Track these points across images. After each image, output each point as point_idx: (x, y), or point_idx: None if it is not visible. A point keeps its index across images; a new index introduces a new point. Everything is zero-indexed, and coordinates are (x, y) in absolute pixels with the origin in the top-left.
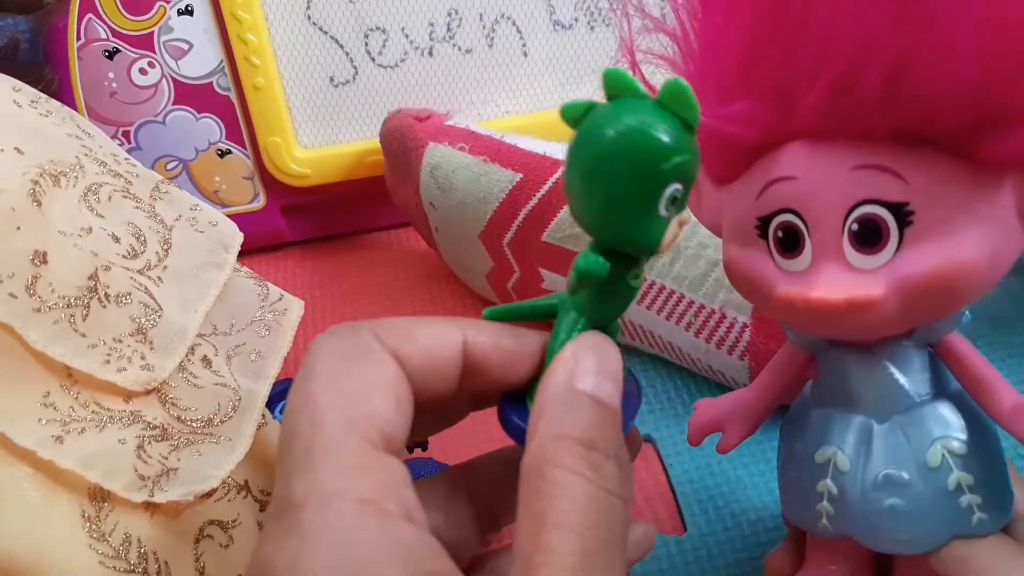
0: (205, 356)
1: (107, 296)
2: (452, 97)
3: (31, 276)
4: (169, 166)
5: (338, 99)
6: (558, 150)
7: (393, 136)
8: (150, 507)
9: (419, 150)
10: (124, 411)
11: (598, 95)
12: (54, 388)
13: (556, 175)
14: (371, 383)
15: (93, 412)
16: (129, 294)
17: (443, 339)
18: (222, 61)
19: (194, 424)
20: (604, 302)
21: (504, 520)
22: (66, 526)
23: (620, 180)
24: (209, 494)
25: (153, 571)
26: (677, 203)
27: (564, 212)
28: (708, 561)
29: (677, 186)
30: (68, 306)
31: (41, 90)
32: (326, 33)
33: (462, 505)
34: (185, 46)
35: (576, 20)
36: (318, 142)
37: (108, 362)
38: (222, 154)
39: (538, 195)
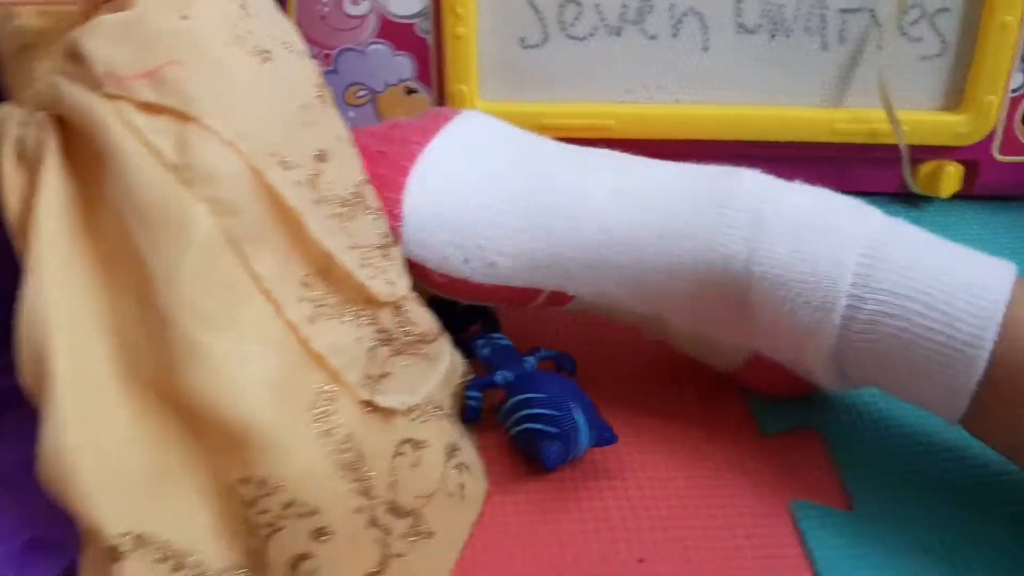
0: None
1: (367, 207)
2: (628, 77)
3: (314, 171)
4: (359, 94)
5: (525, 60)
6: None
7: None
8: (369, 409)
9: None
10: (364, 313)
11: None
12: (312, 276)
13: None
14: None
15: (339, 307)
16: (380, 209)
17: None
18: (428, 5)
19: (411, 339)
20: None
21: None
22: (300, 413)
23: None
24: (411, 409)
25: (361, 473)
26: None
27: None
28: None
29: None
30: (341, 205)
31: None
32: None
33: None
34: None
35: (760, 26)
36: (498, 98)
37: (363, 266)
38: (409, 92)
39: None
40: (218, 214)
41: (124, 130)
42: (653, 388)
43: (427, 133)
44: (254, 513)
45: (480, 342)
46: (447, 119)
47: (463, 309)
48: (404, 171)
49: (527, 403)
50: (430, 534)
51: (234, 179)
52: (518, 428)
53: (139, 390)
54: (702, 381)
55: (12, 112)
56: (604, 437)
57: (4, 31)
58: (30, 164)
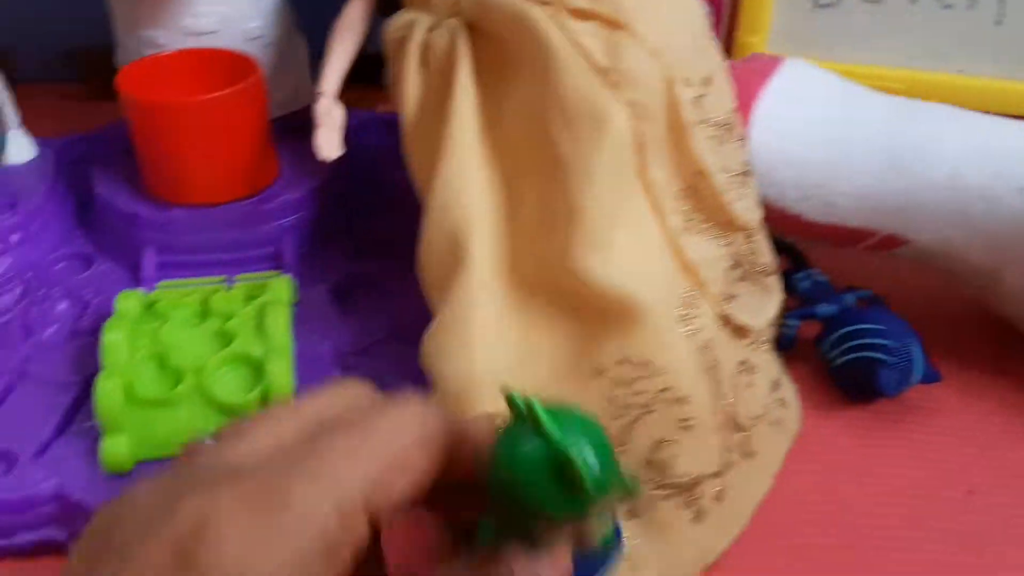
0: None
1: (734, 135)
2: (918, 44)
3: (701, 93)
4: None
5: (816, 19)
6: None
7: None
8: (722, 323)
9: None
10: (722, 234)
11: None
12: (683, 191)
13: None
14: None
15: (704, 223)
16: (742, 138)
17: None
18: None
19: (756, 268)
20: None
21: None
22: (674, 311)
23: (503, 503)
24: (751, 332)
25: (716, 378)
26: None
27: None
28: None
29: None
30: (717, 128)
31: None
32: None
33: None
34: None
35: None
36: (785, 53)
37: (729, 189)
38: None
39: None
40: (635, 117)
41: (558, 32)
42: (965, 336)
43: (764, 74)
44: (628, 393)
45: (799, 276)
46: (777, 63)
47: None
48: (748, 107)
49: (862, 333)
50: (753, 454)
51: (653, 86)
52: (851, 356)
53: (516, 275)
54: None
55: (421, 18)
56: (931, 374)
57: None
58: (431, 66)
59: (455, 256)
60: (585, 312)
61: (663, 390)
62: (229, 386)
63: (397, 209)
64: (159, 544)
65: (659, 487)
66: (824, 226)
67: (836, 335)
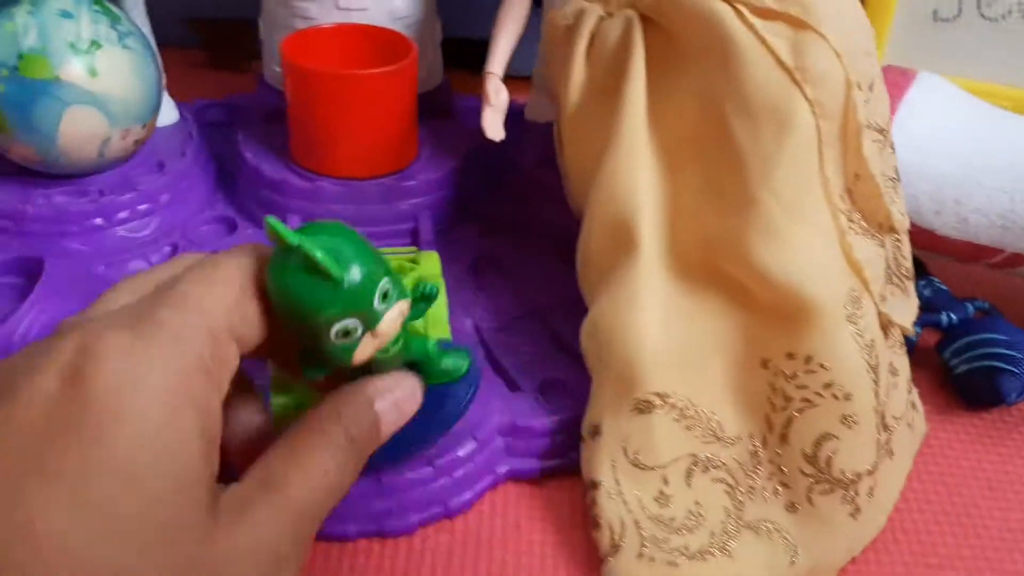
0: None
1: (888, 141)
2: None
3: (866, 97)
4: None
5: (934, 32)
6: None
7: None
8: (882, 324)
9: None
10: (877, 236)
11: None
12: (844, 192)
13: None
14: None
15: (862, 225)
16: (893, 145)
17: None
18: None
19: (902, 271)
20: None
21: None
22: (842, 308)
23: (294, 323)
24: (888, 335)
25: (876, 376)
26: (350, 335)
27: None
28: None
29: (341, 325)
30: (879, 132)
31: None
32: None
33: None
34: None
35: None
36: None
37: (884, 193)
38: None
39: None
40: (818, 115)
41: (743, 28)
42: None
43: (901, 87)
44: (792, 387)
45: (921, 283)
46: (911, 76)
47: None
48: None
49: (985, 342)
50: (893, 454)
51: (835, 86)
52: (975, 364)
53: (680, 261)
54: None
55: (594, 8)
56: None
57: None
58: (600, 55)
59: (622, 242)
60: (753, 301)
61: (827, 386)
62: None
63: (521, 190)
64: (45, 374)
65: (819, 481)
66: (954, 242)
67: (959, 343)
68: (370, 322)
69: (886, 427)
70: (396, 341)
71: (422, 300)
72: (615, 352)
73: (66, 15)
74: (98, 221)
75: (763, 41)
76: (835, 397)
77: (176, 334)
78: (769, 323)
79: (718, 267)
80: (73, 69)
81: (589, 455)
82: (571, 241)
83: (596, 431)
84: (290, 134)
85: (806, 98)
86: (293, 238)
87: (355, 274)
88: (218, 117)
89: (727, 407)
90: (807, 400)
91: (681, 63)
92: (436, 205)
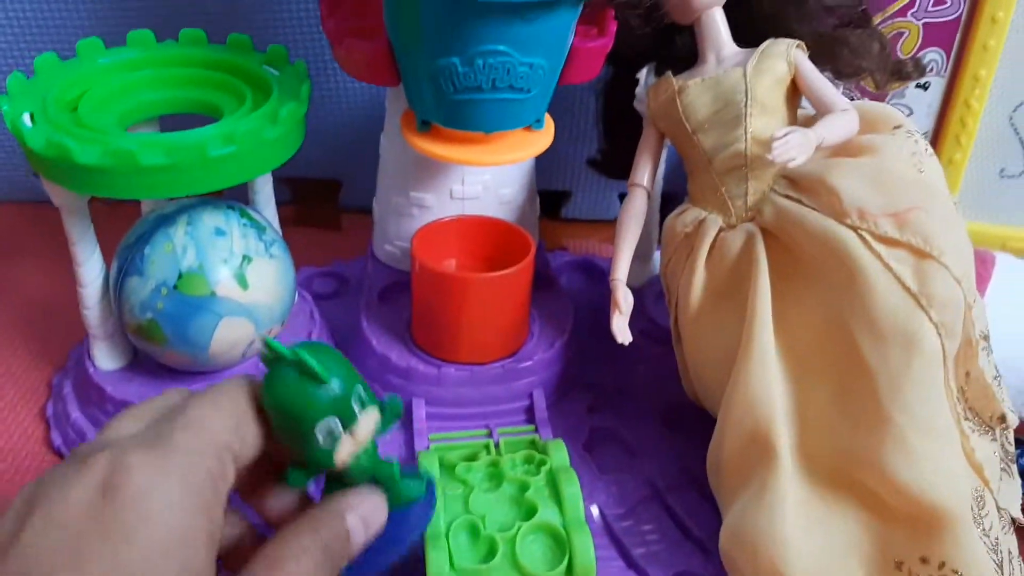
0: None
1: (990, 344)
2: None
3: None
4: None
5: (999, 188)
6: None
7: None
8: (1001, 517)
9: None
10: (990, 430)
11: None
12: (957, 394)
13: None
14: None
15: (977, 422)
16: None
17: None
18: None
19: (1008, 457)
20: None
21: None
22: (970, 513)
23: (286, 427)
24: (1000, 517)
25: (1004, 571)
26: (332, 434)
27: None
28: None
29: (325, 424)
30: (983, 339)
31: None
32: (1018, 135)
33: None
34: None
35: None
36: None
37: (996, 393)
38: None
39: None
40: (942, 336)
41: (868, 253)
42: None
43: (983, 279)
44: None
45: (1017, 452)
46: (991, 262)
47: None
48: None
49: None
50: None
51: (957, 309)
52: None
53: (813, 470)
54: None
55: (715, 219)
56: None
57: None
58: (721, 264)
59: (759, 450)
60: (885, 507)
61: None
62: (535, 556)
63: (619, 357)
64: (80, 484)
65: None
66: None
67: None
68: (348, 421)
69: None
70: (367, 451)
71: (386, 411)
72: (762, 565)
73: (220, 232)
74: None
75: (888, 268)
76: None
77: (188, 451)
78: (903, 528)
79: (850, 474)
80: (227, 284)
81: None
82: (673, 404)
83: None
84: (413, 320)
85: (931, 321)
86: (289, 352)
87: (337, 379)
88: (327, 288)
89: None
90: None
91: (803, 276)
92: (549, 381)
